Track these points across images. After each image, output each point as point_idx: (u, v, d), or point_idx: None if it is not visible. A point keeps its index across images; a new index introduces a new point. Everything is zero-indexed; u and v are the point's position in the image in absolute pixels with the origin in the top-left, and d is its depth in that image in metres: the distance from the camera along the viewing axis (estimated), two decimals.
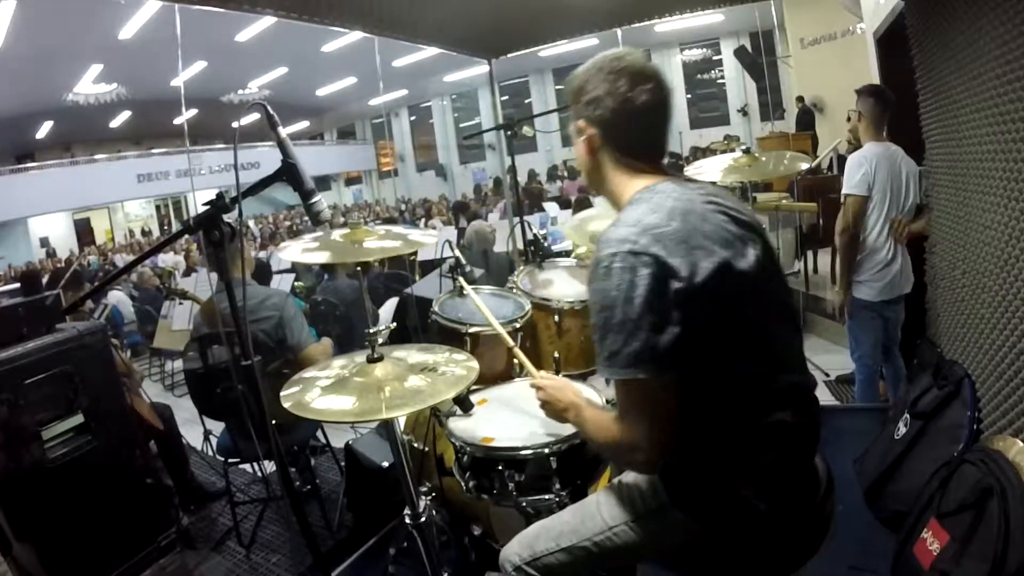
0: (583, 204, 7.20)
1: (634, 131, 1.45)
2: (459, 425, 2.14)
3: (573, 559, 1.57)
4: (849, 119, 3.50)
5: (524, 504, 1.97)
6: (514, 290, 2.93)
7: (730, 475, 1.36)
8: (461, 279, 2.53)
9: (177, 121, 16.68)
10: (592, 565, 1.60)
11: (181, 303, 5.59)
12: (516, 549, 1.67)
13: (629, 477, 1.59)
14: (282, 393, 1.86)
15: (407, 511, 2.23)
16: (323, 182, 24.31)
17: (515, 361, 2.72)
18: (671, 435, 1.33)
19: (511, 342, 2.20)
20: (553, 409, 1.70)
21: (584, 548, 1.56)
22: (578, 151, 1.52)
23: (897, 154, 3.28)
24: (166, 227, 22.49)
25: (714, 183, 1.52)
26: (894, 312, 3.43)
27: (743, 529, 1.39)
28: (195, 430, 4.04)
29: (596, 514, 1.57)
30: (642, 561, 1.73)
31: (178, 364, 6.74)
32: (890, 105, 3.29)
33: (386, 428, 2.34)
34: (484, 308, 2.34)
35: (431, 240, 2.33)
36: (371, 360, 1.93)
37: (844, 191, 3.32)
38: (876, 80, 3.98)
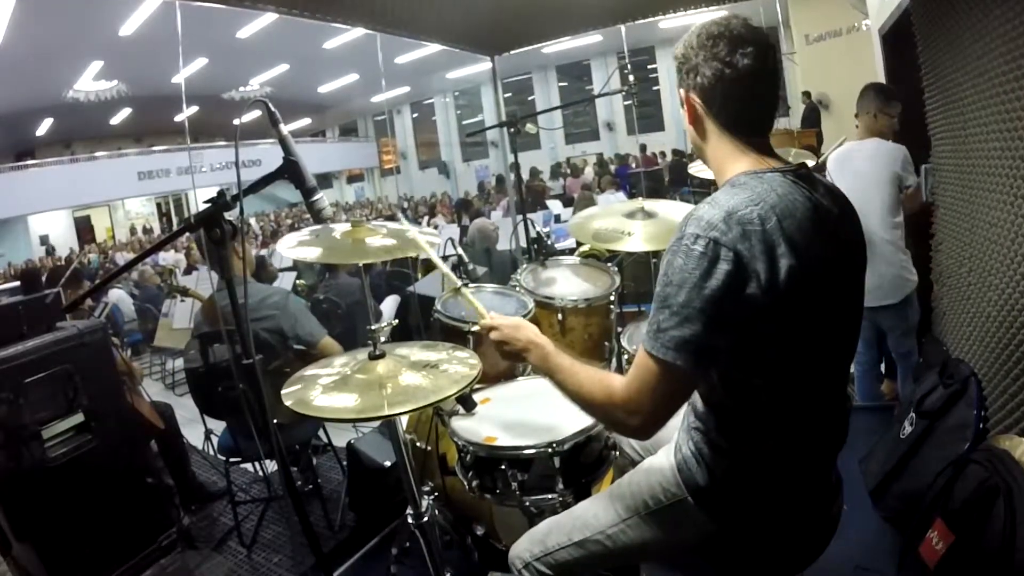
0: (585, 202, 7.18)
1: (735, 102, 1.33)
2: (462, 424, 2.12)
3: (586, 553, 1.56)
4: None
5: (527, 504, 1.96)
6: (517, 288, 2.91)
7: (751, 477, 1.36)
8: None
9: (178, 118, 16.70)
10: (604, 560, 1.59)
11: (182, 300, 5.57)
12: (526, 546, 1.66)
13: (643, 471, 1.57)
14: (283, 391, 1.84)
15: (409, 511, 2.22)
16: (325, 180, 24.35)
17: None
18: (669, 418, 1.29)
19: (457, 281, 2.09)
20: (512, 349, 1.62)
21: (597, 541, 1.55)
22: (686, 122, 1.43)
23: (857, 153, 3.23)
24: (166, 225, 22.51)
25: (829, 183, 1.41)
26: (884, 320, 3.33)
27: (757, 529, 1.39)
28: (196, 429, 4.02)
29: (609, 507, 1.56)
30: (653, 558, 1.72)
31: (179, 363, 6.74)
32: (883, 101, 3.25)
33: (388, 427, 2.32)
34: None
35: (436, 240, 2.29)
36: (373, 357, 1.91)
37: None
38: (882, 77, 3.96)
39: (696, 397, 1.43)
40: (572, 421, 1.96)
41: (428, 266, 5.66)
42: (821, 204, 1.29)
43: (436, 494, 2.44)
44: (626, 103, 17.46)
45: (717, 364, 1.25)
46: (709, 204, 1.24)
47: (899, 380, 3.52)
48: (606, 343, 2.87)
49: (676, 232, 1.24)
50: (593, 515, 1.58)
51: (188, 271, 10.31)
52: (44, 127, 18.32)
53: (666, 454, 1.53)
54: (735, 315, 1.19)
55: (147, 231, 21.98)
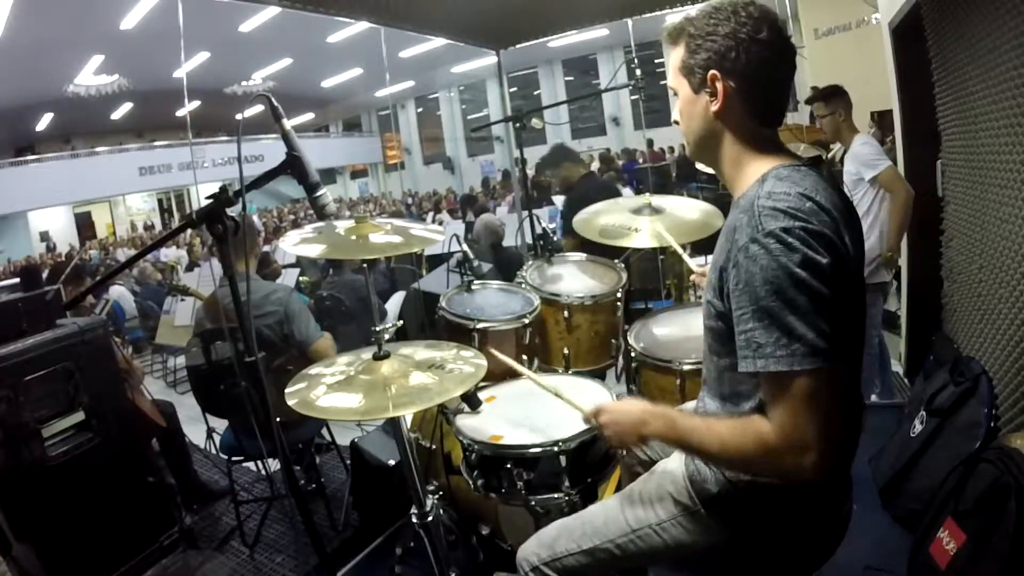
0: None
1: (772, 88, 1.27)
2: (467, 423, 2.12)
3: (594, 561, 1.54)
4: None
5: (533, 503, 1.95)
6: (523, 285, 2.90)
7: (765, 485, 1.31)
8: None
9: (180, 113, 16.74)
10: (612, 566, 1.57)
11: (183, 299, 5.56)
12: (534, 548, 1.63)
13: (655, 478, 1.55)
14: (287, 391, 1.83)
15: (414, 510, 2.21)
16: (328, 175, 24.34)
17: (524, 357, 2.69)
18: (840, 438, 1.16)
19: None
20: (628, 423, 1.42)
21: (606, 550, 1.53)
22: (694, 111, 1.31)
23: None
24: (168, 221, 22.52)
25: None
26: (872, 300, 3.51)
27: (770, 535, 1.37)
28: (198, 428, 3.97)
29: (620, 515, 1.54)
30: (663, 564, 1.70)
31: (180, 360, 6.71)
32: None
33: (392, 425, 2.30)
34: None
35: (439, 237, 2.27)
36: (377, 357, 1.90)
37: (878, 170, 3.35)
38: (891, 72, 3.93)
39: (706, 403, 1.42)
40: (579, 420, 1.94)
41: (432, 262, 5.65)
42: (844, 195, 1.28)
43: (441, 493, 2.43)
44: (633, 98, 17.50)
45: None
46: (772, 200, 1.16)
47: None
48: (612, 340, 2.86)
49: (741, 238, 1.17)
50: (603, 523, 1.55)
51: (190, 267, 10.29)
52: (44, 122, 18.35)
53: (678, 460, 1.51)
54: (840, 298, 1.13)
55: (148, 227, 21.99)
